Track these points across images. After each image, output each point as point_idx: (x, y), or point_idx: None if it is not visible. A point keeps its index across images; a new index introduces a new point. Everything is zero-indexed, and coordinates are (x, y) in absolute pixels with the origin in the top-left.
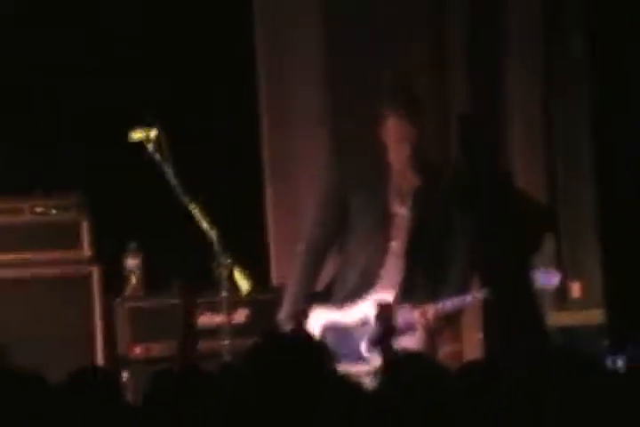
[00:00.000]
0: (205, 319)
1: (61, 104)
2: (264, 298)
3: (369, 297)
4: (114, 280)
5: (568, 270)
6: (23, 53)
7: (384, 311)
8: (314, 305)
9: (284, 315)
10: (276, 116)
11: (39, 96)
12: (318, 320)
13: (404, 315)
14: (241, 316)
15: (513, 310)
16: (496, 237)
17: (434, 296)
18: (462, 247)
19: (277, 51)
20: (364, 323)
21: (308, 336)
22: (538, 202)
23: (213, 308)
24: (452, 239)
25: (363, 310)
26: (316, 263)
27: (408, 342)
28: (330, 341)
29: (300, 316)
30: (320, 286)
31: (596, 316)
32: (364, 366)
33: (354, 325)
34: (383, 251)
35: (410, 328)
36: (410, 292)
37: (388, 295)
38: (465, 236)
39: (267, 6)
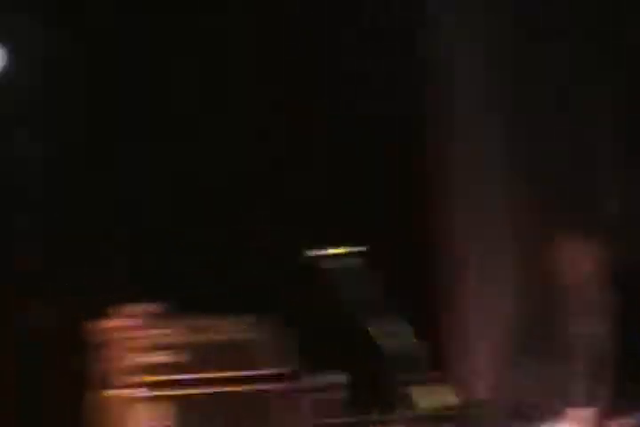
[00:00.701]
0: None
1: None
2: (455, 414)
3: (564, 415)
4: (304, 396)
5: None
6: None
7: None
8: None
9: None
10: None
11: None
12: None
13: None
14: None
15: None
16: None
17: (628, 410)
18: None
19: None
20: None
21: None
22: None
23: (390, 424)
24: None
25: None
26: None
27: None
28: None
29: None
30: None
31: None
32: None
33: None
34: (571, 370)
35: None
36: (605, 407)
37: (584, 412)
38: None
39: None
